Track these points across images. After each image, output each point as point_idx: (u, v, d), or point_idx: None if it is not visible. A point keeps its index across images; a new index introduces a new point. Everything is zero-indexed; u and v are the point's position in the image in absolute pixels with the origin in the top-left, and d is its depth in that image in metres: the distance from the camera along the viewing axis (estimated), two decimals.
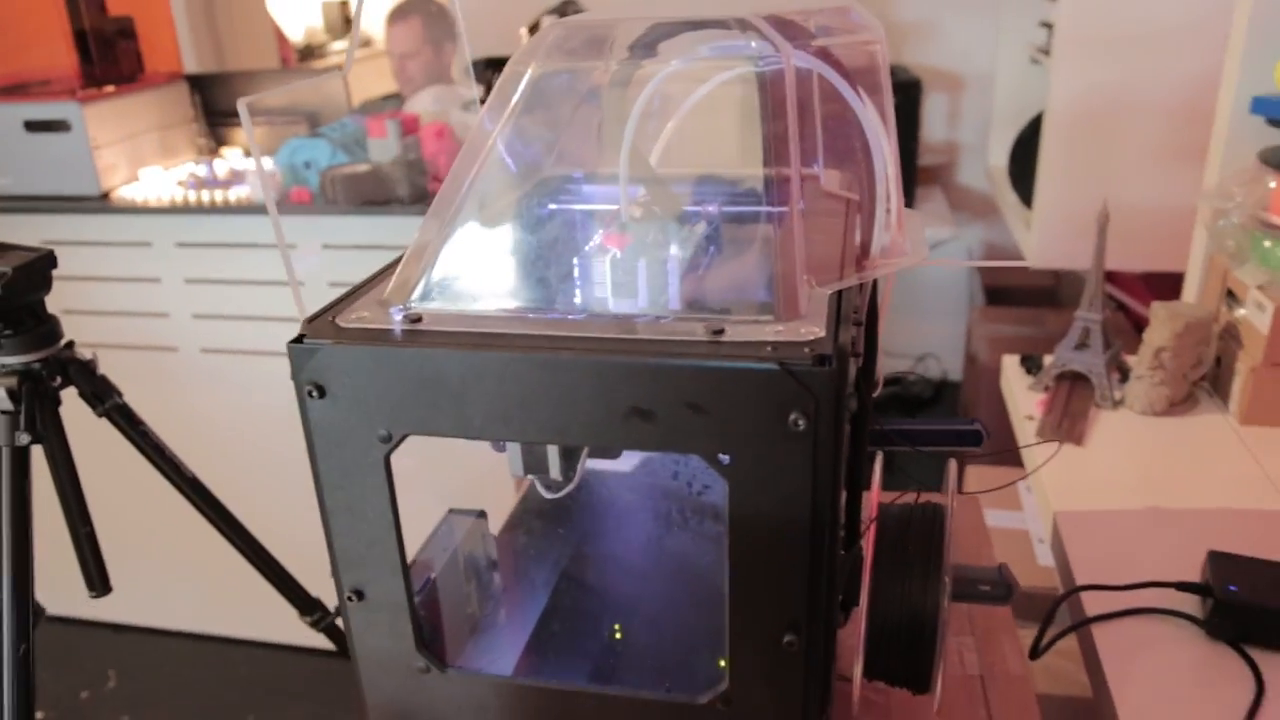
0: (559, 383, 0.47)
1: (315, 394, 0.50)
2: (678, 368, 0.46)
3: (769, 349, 0.46)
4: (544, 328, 0.49)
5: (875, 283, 0.66)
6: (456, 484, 0.93)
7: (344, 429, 0.51)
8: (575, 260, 0.56)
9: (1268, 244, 1.07)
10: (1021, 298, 2.60)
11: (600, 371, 0.46)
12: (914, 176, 2.56)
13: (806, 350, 0.45)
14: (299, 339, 0.50)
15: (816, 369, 0.45)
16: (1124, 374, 1.16)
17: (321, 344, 0.49)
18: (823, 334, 0.46)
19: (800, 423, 0.45)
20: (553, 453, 0.55)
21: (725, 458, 0.47)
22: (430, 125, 1.80)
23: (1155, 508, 0.94)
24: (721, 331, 0.48)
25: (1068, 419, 1.11)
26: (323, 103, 2.09)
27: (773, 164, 0.55)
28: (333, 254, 1.76)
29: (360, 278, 0.59)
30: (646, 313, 0.51)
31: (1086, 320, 1.16)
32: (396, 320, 0.51)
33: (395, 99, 2.26)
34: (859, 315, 0.54)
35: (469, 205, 0.56)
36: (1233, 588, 0.77)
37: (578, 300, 0.54)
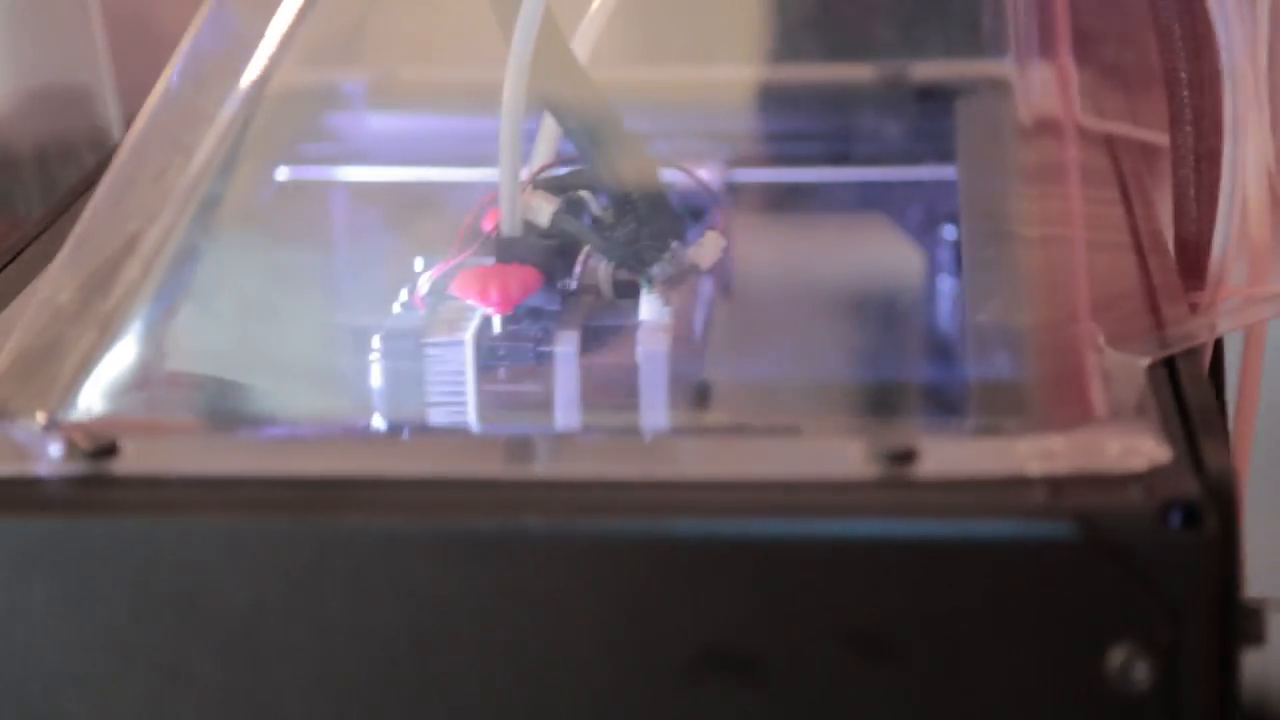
0: (508, 600, 0.21)
1: None
2: (833, 541, 0.20)
3: (1046, 493, 0.20)
4: (404, 459, 0.25)
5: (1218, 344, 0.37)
6: None
7: None
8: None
9: None
10: None
11: (624, 560, 0.21)
12: None
13: (1142, 493, 0.19)
14: None
15: (1177, 536, 0.19)
16: None
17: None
18: (1169, 455, 0.20)
19: (1139, 671, 0.18)
20: None
21: None
22: None
23: None
24: (908, 458, 0.22)
25: None
26: None
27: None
28: None
29: None
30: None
31: None
32: (55, 458, 0.22)
33: None
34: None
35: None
36: None
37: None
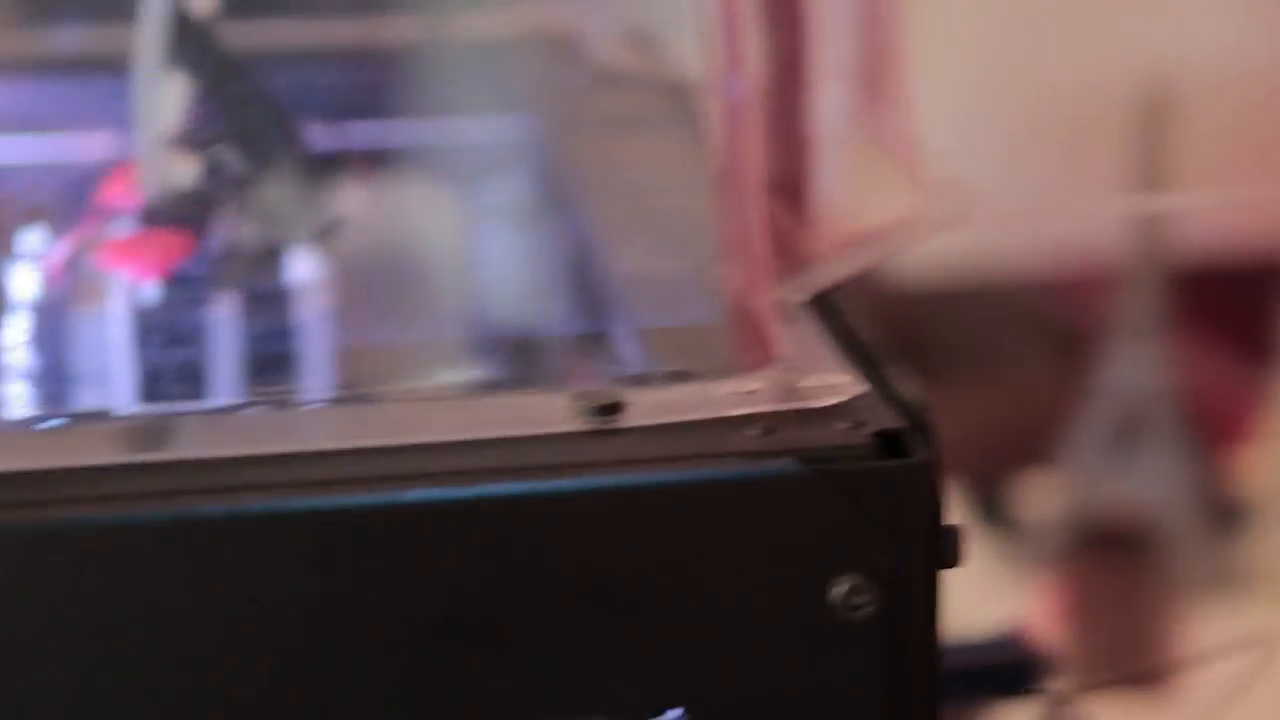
0: (258, 571, 0.18)
1: None
2: (567, 497, 0.19)
3: (759, 433, 0.20)
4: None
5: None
6: None
7: None
8: None
9: None
10: None
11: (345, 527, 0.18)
12: None
13: (849, 425, 0.20)
14: None
15: (889, 464, 0.19)
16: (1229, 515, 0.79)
17: None
18: (864, 388, 0.21)
19: (862, 596, 0.19)
20: None
21: None
22: None
23: None
24: (615, 409, 0.21)
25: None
26: None
27: None
28: None
29: None
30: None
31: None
32: None
33: None
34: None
35: None
36: None
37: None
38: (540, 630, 0.19)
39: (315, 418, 0.22)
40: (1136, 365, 0.85)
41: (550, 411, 0.21)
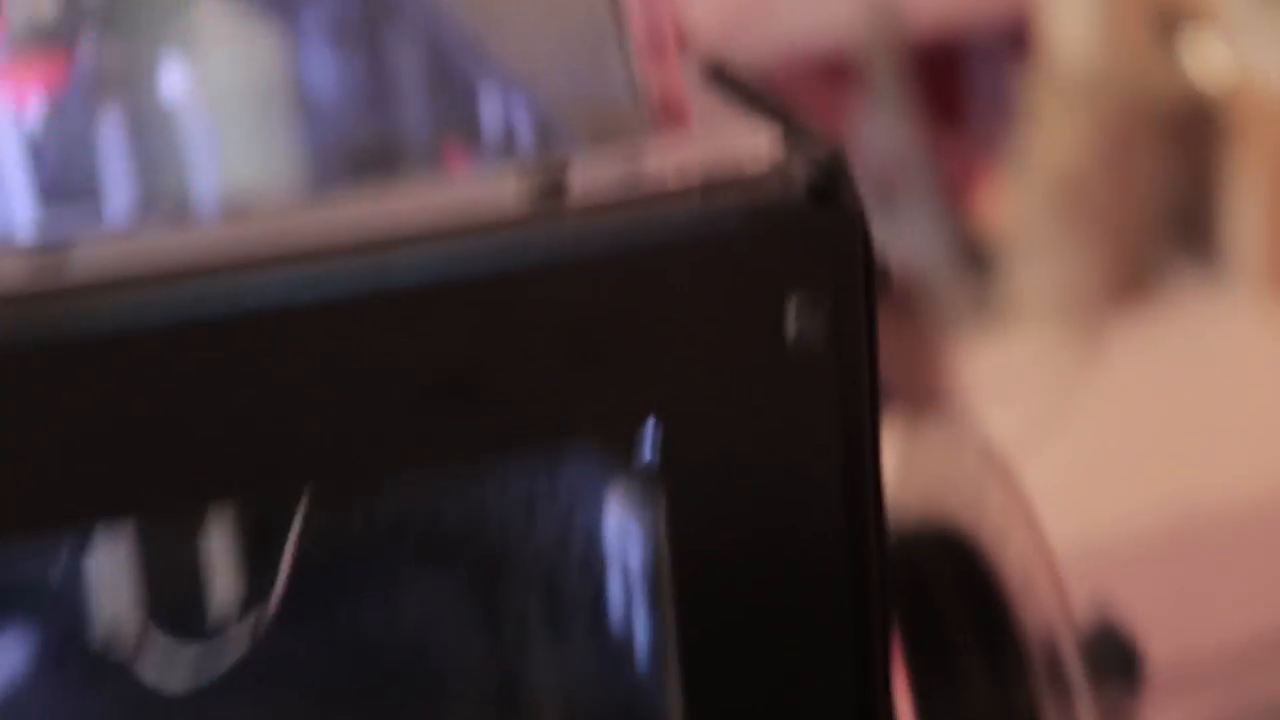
0: (293, 345, 0.19)
1: None
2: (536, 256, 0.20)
3: (698, 197, 0.21)
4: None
5: None
6: None
7: None
8: None
9: None
10: None
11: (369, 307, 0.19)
12: None
13: (783, 176, 0.21)
14: None
15: (825, 211, 0.21)
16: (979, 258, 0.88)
17: None
18: (784, 138, 0.23)
19: (804, 319, 0.21)
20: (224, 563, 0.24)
21: (651, 433, 0.22)
22: None
23: None
24: (559, 190, 0.21)
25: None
26: None
27: None
28: None
29: None
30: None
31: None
32: None
33: None
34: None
35: None
36: None
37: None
38: (521, 379, 0.21)
39: (245, 223, 0.21)
40: (887, 134, 0.92)
41: (498, 196, 0.21)
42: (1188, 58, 0.87)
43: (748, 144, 0.23)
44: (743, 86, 0.26)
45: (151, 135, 0.22)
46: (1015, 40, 0.98)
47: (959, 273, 0.90)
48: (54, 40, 0.23)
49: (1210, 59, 0.85)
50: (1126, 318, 0.89)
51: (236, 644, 0.24)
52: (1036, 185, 0.90)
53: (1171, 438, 0.80)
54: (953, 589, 0.30)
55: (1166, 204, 0.91)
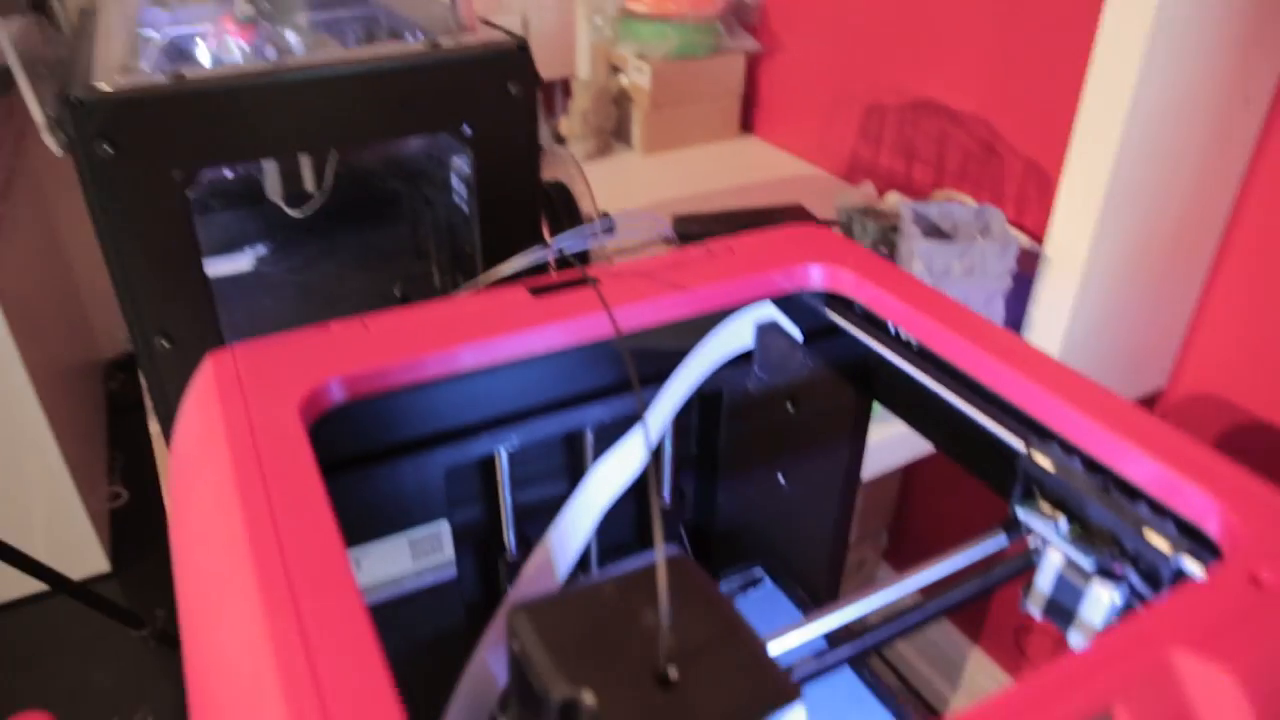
0: (341, 94, 0.60)
1: (108, 148, 0.56)
2: (435, 62, 0.62)
3: (483, 45, 0.64)
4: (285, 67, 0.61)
5: None
6: None
7: (138, 179, 0.57)
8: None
9: (635, 25, 1.44)
10: None
11: (375, 78, 0.61)
12: None
13: (510, 39, 0.64)
14: (78, 101, 0.55)
15: (520, 51, 0.64)
16: (559, 138, 1.48)
17: (115, 95, 0.55)
18: (506, 34, 0.66)
19: (515, 87, 0.64)
20: (306, 168, 0.67)
21: (468, 129, 0.64)
22: None
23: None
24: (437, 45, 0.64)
25: None
26: None
27: None
28: None
29: None
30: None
31: None
32: (161, 77, 0.58)
33: None
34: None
35: None
36: None
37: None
38: (402, 111, 0.63)
39: None
40: None
41: (412, 49, 0.63)
42: None
43: (495, 35, 0.66)
44: (501, 29, 0.69)
45: None
46: None
47: None
48: None
49: None
50: None
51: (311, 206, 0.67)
52: None
53: None
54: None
55: None
